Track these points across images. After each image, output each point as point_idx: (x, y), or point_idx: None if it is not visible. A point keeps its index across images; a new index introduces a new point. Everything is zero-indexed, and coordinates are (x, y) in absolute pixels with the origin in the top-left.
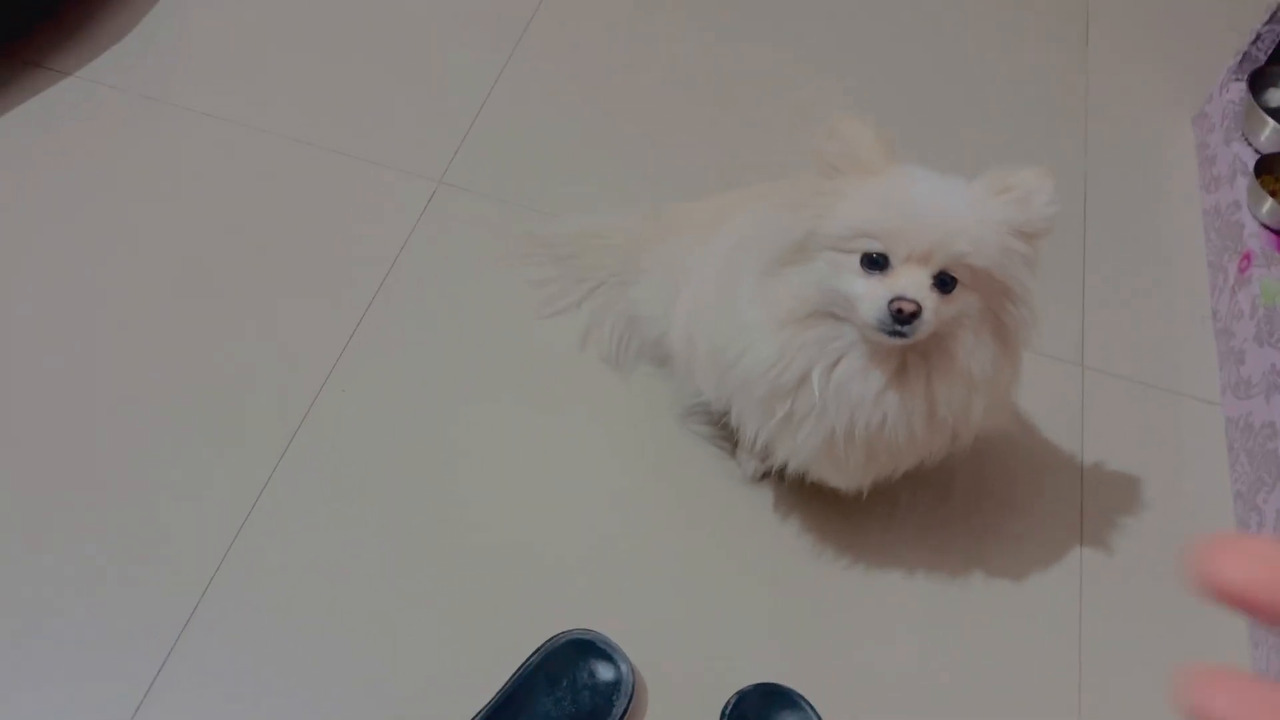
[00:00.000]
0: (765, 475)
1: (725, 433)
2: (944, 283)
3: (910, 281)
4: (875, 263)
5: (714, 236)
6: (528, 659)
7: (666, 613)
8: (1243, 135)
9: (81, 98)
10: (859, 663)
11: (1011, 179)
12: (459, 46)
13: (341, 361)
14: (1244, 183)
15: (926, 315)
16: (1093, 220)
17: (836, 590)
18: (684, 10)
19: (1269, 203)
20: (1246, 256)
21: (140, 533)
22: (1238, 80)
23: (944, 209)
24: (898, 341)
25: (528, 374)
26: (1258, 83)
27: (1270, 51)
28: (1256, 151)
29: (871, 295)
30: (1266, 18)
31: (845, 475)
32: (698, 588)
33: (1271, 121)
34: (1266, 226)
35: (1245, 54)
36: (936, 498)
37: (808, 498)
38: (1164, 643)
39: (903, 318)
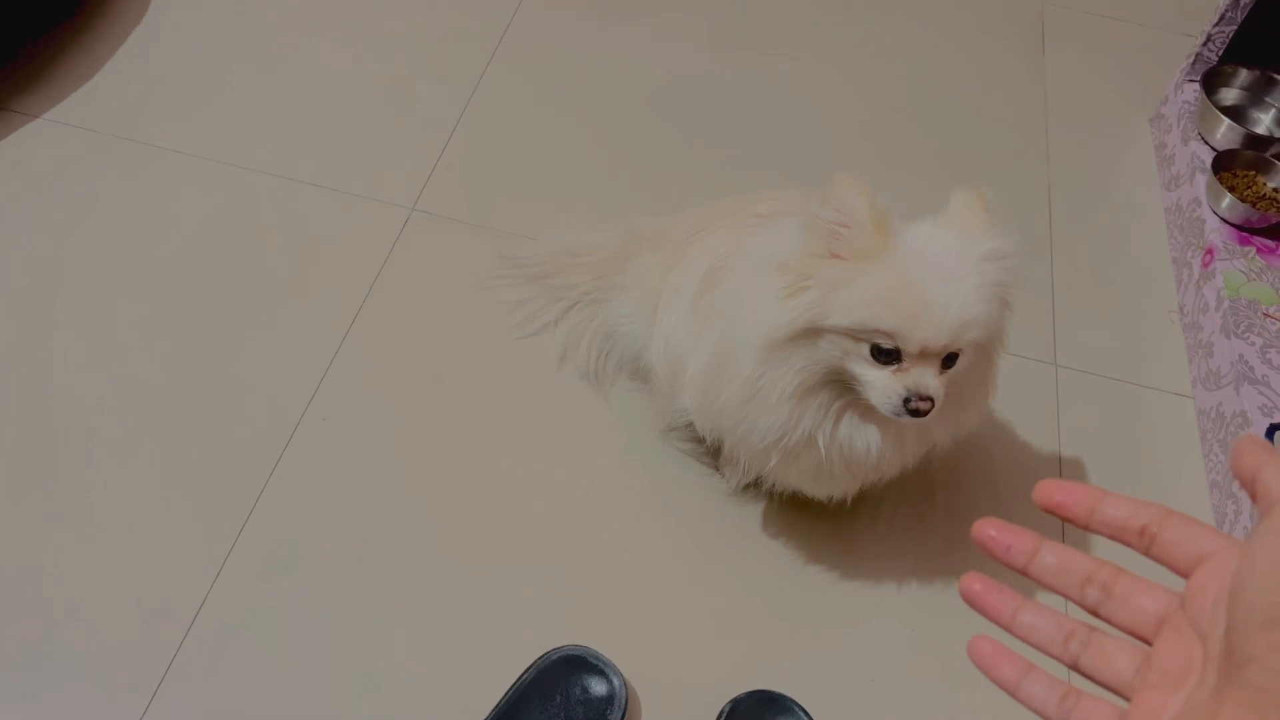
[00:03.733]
0: (749, 485)
1: (707, 448)
2: (950, 357)
3: (926, 378)
4: (886, 354)
5: (689, 256)
6: (520, 677)
7: (657, 624)
8: (1199, 134)
9: (51, 140)
10: (851, 667)
11: (1002, 245)
12: (427, 73)
13: (321, 390)
14: (1203, 180)
15: (938, 401)
16: (1058, 223)
17: (827, 596)
18: (653, 31)
19: (1228, 198)
20: (1209, 251)
21: (131, 568)
22: (1191, 81)
23: (954, 301)
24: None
25: (507, 395)
26: (1210, 82)
27: (1221, 52)
28: (1213, 149)
29: (885, 386)
30: (1216, 19)
31: (830, 490)
32: (687, 598)
33: (1226, 119)
34: (1227, 221)
35: (1197, 55)
36: (920, 503)
37: (794, 508)
38: None
39: (917, 409)
